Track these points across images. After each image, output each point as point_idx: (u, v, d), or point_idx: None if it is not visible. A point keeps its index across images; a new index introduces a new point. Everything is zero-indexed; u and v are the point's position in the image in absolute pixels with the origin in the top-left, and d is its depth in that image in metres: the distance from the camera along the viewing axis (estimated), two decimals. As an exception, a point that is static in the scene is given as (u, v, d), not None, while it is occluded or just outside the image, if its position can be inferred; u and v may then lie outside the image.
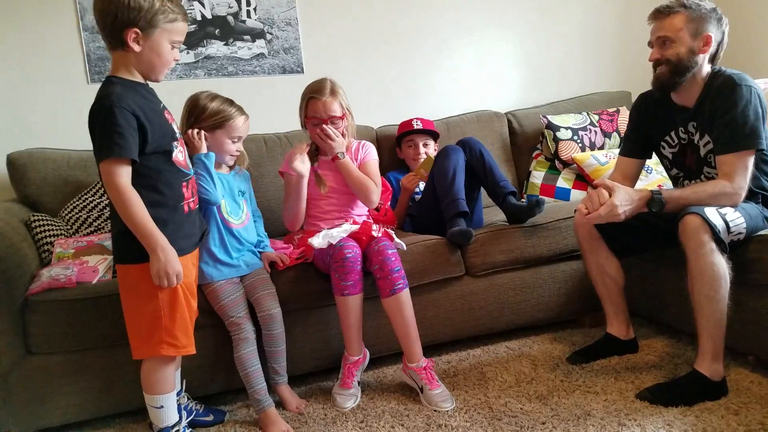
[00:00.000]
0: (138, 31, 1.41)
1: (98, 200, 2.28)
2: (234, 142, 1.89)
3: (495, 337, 2.30)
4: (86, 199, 2.29)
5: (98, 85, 1.48)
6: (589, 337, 2.21)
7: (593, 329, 2.30)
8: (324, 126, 2.02)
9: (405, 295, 1.86)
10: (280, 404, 1.88)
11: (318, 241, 1.88)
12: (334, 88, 2.04)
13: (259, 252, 1.99)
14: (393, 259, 1.85)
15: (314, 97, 2.03)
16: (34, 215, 2.15)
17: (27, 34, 2.53)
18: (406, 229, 2.44)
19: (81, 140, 2.26)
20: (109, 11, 1.40)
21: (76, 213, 2.25)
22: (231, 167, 1.96)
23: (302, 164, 1.98)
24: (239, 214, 1.94)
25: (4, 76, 2.52)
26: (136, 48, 1.43)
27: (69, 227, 2.21)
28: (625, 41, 3.37)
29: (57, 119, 2.59)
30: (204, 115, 1.83)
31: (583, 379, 1.90)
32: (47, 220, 2.16)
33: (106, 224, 2.23)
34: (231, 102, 1.89)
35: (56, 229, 2.15)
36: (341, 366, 1.94)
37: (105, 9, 1.40)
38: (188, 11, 2.68)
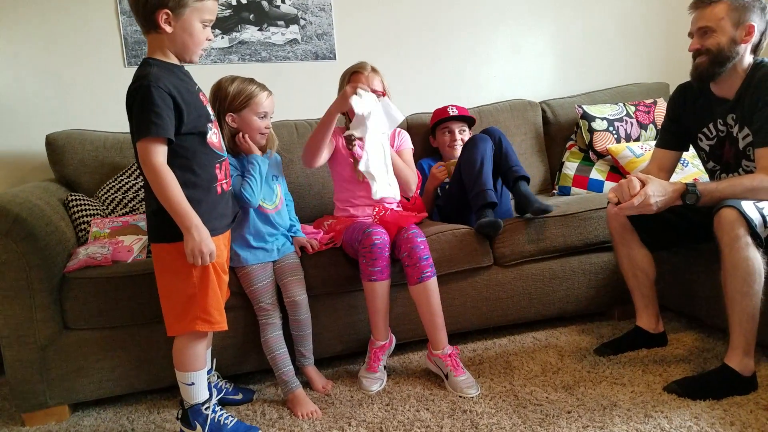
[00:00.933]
0: (169, 12, 1.43)
1: (133, 182, 2.33)
2: (261, 118, 1.89)
3: (522, 327, 2.29)
4: (122, 180, 2.34)
5: (135, 69, 1.50)
6: (618, 330, 2.18)
7: (622, 322, 2.27)
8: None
9: (432, 283, 1.86)
10: (307, 384, 1.91)
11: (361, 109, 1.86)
12: (375, 68, 2.11)
13: (291, 236, 2.01)
14: (422, 247, 1.86)
15: (358, 71, 2.09)
16: (71, 195, 2.20)
17: (66, 18, 2.58)
18: (434, 218, 2.44)
19: (117, 123, 2.32)
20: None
21: (112, 194, 2.31)
22: (263, 150, 1.98)
23: (358, 103, 1.89)
24: (273, 199, 1.96)
25: (43, 59, 2.58)
26: (168, 29, 1.45)
27: (105, 207, 2.27)
28: (664, 31, 3.29)
29: (95, 102, 2.65)
30: (228, 99, 1.84)
31: (611, 371, 1.88)
32: (84, 200, 2.21)
33: (141, 205, 2.28)
34: (251, 80, 1.90)
35: (93, 209, 2.20)
36: (368, 350, 1.96)
37: None
38: (223, -4, 2.72)
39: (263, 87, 1.91)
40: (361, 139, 1.92)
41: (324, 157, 2.05)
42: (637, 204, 1.68)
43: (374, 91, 1.99)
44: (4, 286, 1.74)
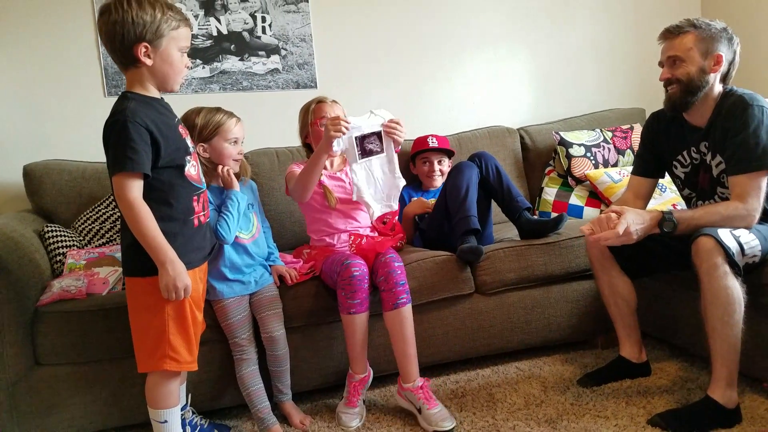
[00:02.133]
0: (147, 44, 1.43)
1: (111, 212, 2.30)
2: (233, 144, 1.89)
3: (505, 357, 2.27)
4: (99, 210, 2.32)
5: (114, 99, 1.50)
6: (601, 359, 2.17)
7: (606, 351, 2.26)
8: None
9: (407, 310, 1.84)
10: (285, 419, 1.87)
11: (342, 145, 1.89)
12: (335, 99, 2.18)
13: (269, 265, 1.99)
14: (399, 272, 1.85)
15: (321, 100, 2.15)
16: (47, 226, 2.17)
17: (46, 48, 2.58)
18: (416, 244, 2.43)
19: (96, 152, 2.28)
20: (116, 32, 1.42)
21: (89, 224, 2.28)
22: (237, 178, 1.96)
23: (337, 145, 1.91)
24: (249, 228, 1.94)
25: (22, 88, 2.57)
26: (148, 62, 1.45)
27: (81, 238, 2.24)
28: (639, 57, 3.35)
29: (74, 131, 2.63)
30: (197, 129, 1.84)
31: (594, 403, 1.86)
32: (60, 230, 2.18)
33: (118, 236, 2.24)
34: (218, 109, 1.90)
35: (69, 240, 2.17)
36: (346, 384, 1.93)
37: (111, 31, 1.42)
38: (204, 27, 2.73)
39: (231, 114, 1.91)
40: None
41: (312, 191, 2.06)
42: (621, 232, 1.67)
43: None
44: (-28, 322, 1.70)
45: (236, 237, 1.87)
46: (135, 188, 1.42)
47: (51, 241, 2.13)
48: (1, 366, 1.73)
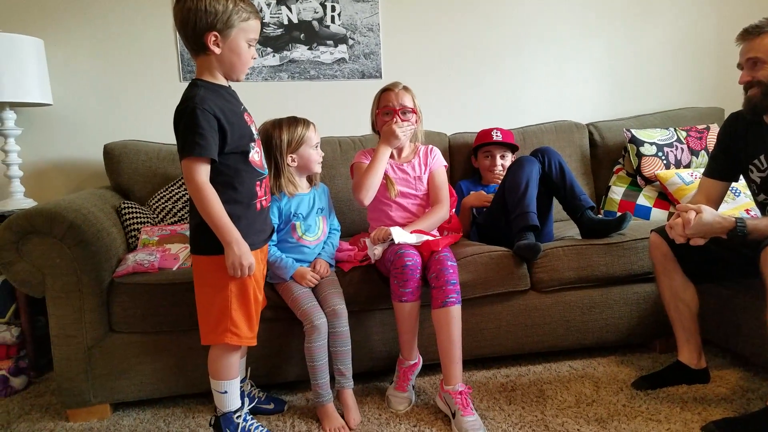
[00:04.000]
0: (217, 33, 1.50)
1: (183, 192, 2.43)
2: (315, 149, 1.99)
3: (558, 355, 2.25)
4: (172, 190, 2.44)
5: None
6: (659, 363, 2.11)
7: (663, 355, 2.20)
8: (396, 116, 2.08)
9: (456, 310, 1.82)
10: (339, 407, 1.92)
11: (378, 251, 1.95)
12: (406, 86, 2.15)
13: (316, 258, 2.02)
14: (451, 271, 1.83)
15: (388, 89, 2.14)
16: (124, 203, 2.31)
17: (127, 35, 2.74)
18: (472, 238, 2.43)
19: (171, 135, 2.41)
20: (189, 19, 1.49)
21: (163, 203, 2.41)
22: (311, 182, 2.04)
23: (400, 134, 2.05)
24: (315, 232, 2.00)
25: (105, 73, 2.73)
26: (217, 50, 1.52)
27: (155, 216, 2.37)
28: (718, 54, 3.19)
29: (151, 114, 2.78)
30: (285, 144, 1.92)
31: (647, 406, 1.83)
32: (136, 207, 2.32)
33: (191, 216, 2.36)
34: (295, 120, 1.97)
35: (143, 217, 2.31)
36: (396, 369, 1.97)
37: (185, 18, 1.50)
38: (275, 16, 2.81)
39: (306, 122, 1.98)
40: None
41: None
42: (692, 218, 1.64)
43: (403, 107, 2.08)
44: (56, 288, 1.84)
45: (300, 239, 1.95)
46: (203, 172, 1.49)
47: (127, 217, 2.26)
48: (81, 330, 1.87)
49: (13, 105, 2.50)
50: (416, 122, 2.13)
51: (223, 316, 1.58)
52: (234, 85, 1.64)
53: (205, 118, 1.47)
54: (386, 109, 2.11)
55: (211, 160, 1.50)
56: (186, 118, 1.48)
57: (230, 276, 1.54)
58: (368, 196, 2.05)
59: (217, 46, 1.52)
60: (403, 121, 2.07)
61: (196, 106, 1.48)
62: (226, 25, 1.50)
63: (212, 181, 1.51)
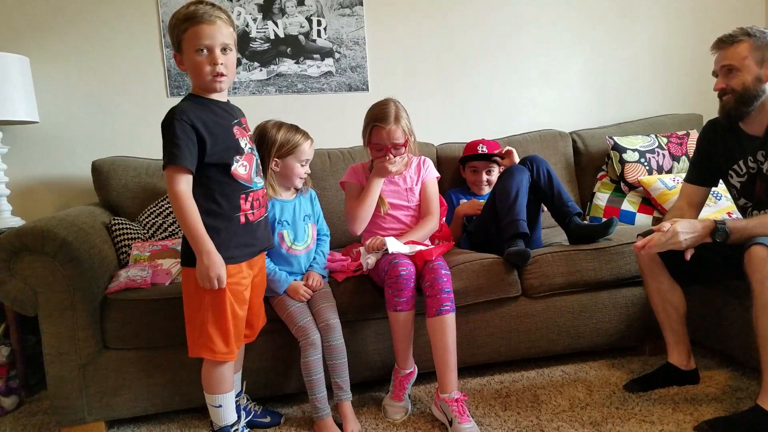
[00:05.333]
0: (176, 52, 1.56)
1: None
2: (302, 165, 1.96)
3: (551, 360, 2.28)
4: (162, 205, 2.44)
5: (176, 99, 1.60)
6: (649, 366, 2.15)
7: (653, 357, 2.24)
8: (389, 153, 2.06)
9: (450, 318, 1.83)
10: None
11: (371, 260, 1.96)
12: (398, 113, 2.05)
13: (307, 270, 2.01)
14: (445, 279, 1.85)
15: (377, 125, 2.05)
16: (114, 219, 2.30)
17: (113, 52, 2.74)
18: (463, 246, 2.46)
19: (159, 150, 2.42)
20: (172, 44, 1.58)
21: (153, 218, 2.40)
22: (297, 190, 2.03)
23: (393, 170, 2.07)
24: (305, 239, 1.99)
25: (92, 89, 2.73)
26: (182, 69, 1.58)
27: (146, 231, 2.36)
28: (696, 62, 3.28)
29: (139, 130, 2.78)
30: (276, 146, 1.90)
31: (639, 408, 1.86)
32: (126, 223, 2.31)
33: (180, 230, 2.36)
34: (296, 129, 1.96)
35: (134, 233, 2.30)
36: (392, 378, 1.98)
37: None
38: (261, 30, 2.83)
39: (306, 135, 1.96)
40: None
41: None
42: (664, 240, 1.68)
43: (395, 145, 2.05)
44: (49, 306, 1.82)
45: (290, 249, 1.95)
46: (181, 182, 1.50)
47: (117, 233, 2.25)
48: (75, 348, 1.85)
49: (-1, 123, 2.48)
50: (409, 144, 2.10)
51: (201, 330, 1.59)
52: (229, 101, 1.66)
53: (181, 128, 1.49)
54: (378, 147, 2.08)
55: (190, 170, 1.51)
56: (164, 127, 1.51)
57: (206, 289, 1.53)
58: (360, 227, 2.10)
59: (181, 63, 1.56)
60: (395, 156, 2.07)
61: (174, 116, 1.50)
62: (176, 40, 1.55)
63: (193, 191, 1.52)
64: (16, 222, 2.47)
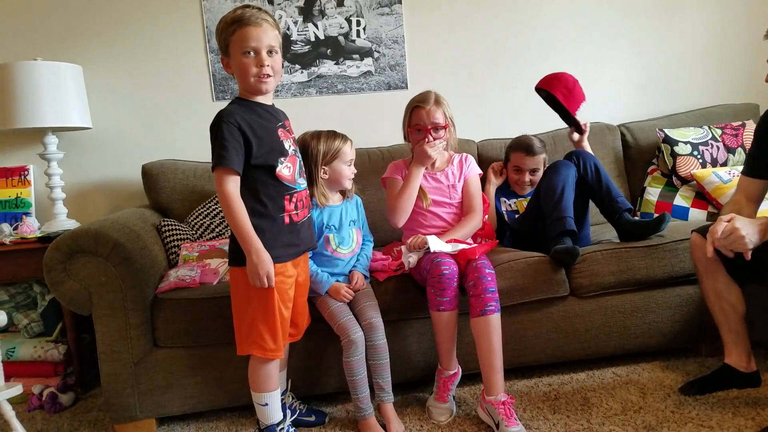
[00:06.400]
0: (223, 56, 1.60)
1: (220, 208, 2.47)
2: (348, 166, 1.99)
3: (601, 361, 2.21)
4: (210, 207, 2.49)
5: (222, 103, 1.63)
6: (705, 367, 2.07)
7: (710, 359, 2.15)
8: (428, 135, 2.06)
9: (495, 318, 1.79)
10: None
11: (413, 258, 1.95)
12: (438, 98, 2.10)
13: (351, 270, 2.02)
14: (489, 278, 1.82)
15: (419, 105, 2.09)
16: (164, 220, 2.37)
17: (161, 58, 2.81)
18: (506, 244, 2.42)
19: (206, 153, 2.47)
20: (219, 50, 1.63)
21: (201, 219, 2.46)
22: (344, 195, 2.04)
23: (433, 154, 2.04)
24: (350, 244, 2.00)
25: (140, 95, 2.81)
26: (229, 72, 1.61)
27: (194, 232, 2.42)
28: (751, 49, 3.13)
29: (186, 133, 2.84)
30: (321, 155, 1.93)
31: (697, 412, 1.78)
32: (175, 225, 2.37)
33: (227, 230, 2.41)
34: (335, 134, 1.98)
35: (183, 234, 2.35)
36: (436, 379, 1.96)
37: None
38: (302, 33, 2.85)
39: (345, 137, 1.99)
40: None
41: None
42: (720, 232, 1.60)
43: (435, 125, 2.06)
44: (102, 306, 1.88)
45: (335, 252, 1.96)
46: (229, 182, 1.53)
47: (167, 234, 2.31)
48: (127, 346, 1.91)
49: (55, 130, 2.58)
50: (449, 133, 2.11)
51: (251, 327, 1.61)
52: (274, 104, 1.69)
53: (228, 131, 1.52)
54: (418, 127, 2.09)
55: (238, 171, 1.54)
56: (213, 130, 1.55)
57: (257, 287, 1.56)
58: (402, 219, 2.08)
59: (229, 67, 1.60)
60: (435, 139, 2.06)
61: (221, 119, 1.54)
62: (225, 44, 1.58)
63: (241, 192, 1.55)
64: (72, 224, 2.57)
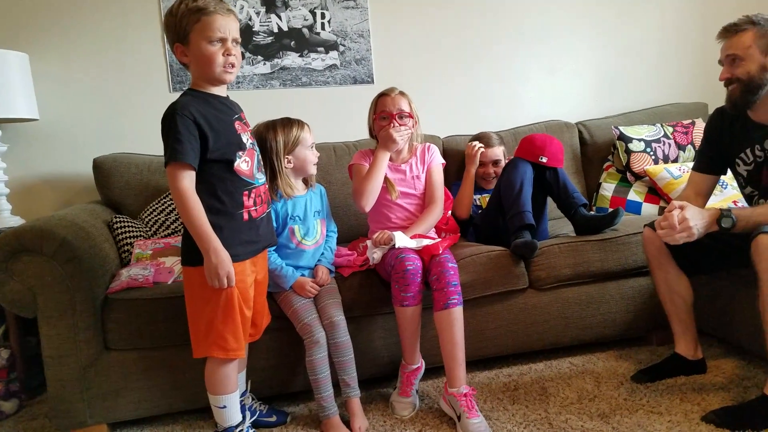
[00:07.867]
0: (179, 44, 1.52)
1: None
2: (311, 149, 1.97)
3: (558, 352, 2.26)
4: (164, 202, 2.42)
5: (179, 94, 1.57)
6: (656, 356, 2.13)
7: (660, 348, 2.22)
8: (393, 120, 2.07)
9: (458, 312, 1.81)
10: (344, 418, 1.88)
11: (377, 254, 1.93)
12: (402, 91, 2.15)
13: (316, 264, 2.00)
14: (452, 272, 1.83)
15: (384, 94, 2.13)
16: (116, 217, 2.28)
17: (114, 46, 2.71)
18: (469, 239, 2.43)
19: (162, 147, 2.40)
20: (167, 38, 1.55)
21: (155, 215, 2.38)
22: (306, 184, 2.01)
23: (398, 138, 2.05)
24: (314, 236, 1.98)
25: (92, 85, 2.70)
26: (186, 60, 1.54)
27: (148, 229, 2.34)
28: (702, 50, 3.23)
29: (140, 126, 2.75)
30: (281, 146, 1.89)
31: (647, 399, 1.84)
32: (128, 221, 2.29)
33: (183, 227, 2.34)
34: (289, 121, 1.94)
35: (136, 231, 2.28)
36: (399, 374, 1.96)
37: (167, 37, 1.56)
38: (265, 24, 2.80)
39: (300, 122, 1.96)
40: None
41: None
42: (677, 220, 1.65)
43: (400, 112, 2.07)
44: (48, 308, 1.79)
45: (300, 243, 1.93)
46: (184, 178, 1.46)
47: (119, 231, 2.23)
48: (75, 350, 1.82)
49: (-2, 122, 2.46)
50: (413, 126, 2.13)
51: (209, 328, 1.56)
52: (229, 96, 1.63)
53: (183, 123, 1.46)
54: (383, 114, 2.09)
55: (192, 166, 1.48)
56: (165, 123, 1.48)
57: (215, 287, 1.50)
58: (369, 202, 2.05)
59: (185, 56, 1.53)
60: (400, 125, 2.07)
61: (175, 111, 1.47)
62: (184, 32, 1.50)
63: (197, 188, 1.49)
64: (16, 221, 2.45)
